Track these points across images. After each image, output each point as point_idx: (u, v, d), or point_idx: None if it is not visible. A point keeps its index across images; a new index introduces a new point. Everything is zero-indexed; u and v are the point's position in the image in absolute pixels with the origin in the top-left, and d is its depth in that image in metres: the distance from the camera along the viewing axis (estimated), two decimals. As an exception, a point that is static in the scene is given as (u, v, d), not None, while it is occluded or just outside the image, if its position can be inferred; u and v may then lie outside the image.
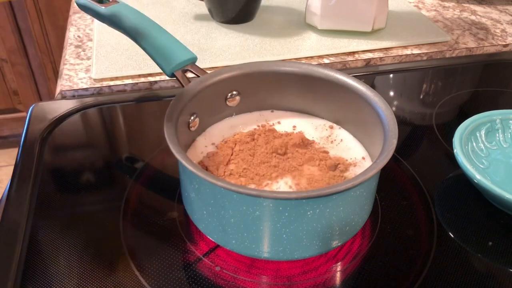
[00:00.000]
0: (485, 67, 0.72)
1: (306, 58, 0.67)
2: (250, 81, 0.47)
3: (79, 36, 0.72)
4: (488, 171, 0.48)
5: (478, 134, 0.51)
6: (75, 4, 0.51)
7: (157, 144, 0.53)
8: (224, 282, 0.39)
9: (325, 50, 0.69)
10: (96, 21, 0.73)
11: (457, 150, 0.46)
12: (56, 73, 1.56)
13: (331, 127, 0.47)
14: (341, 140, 0.46)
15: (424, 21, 0.78)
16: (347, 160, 0.43)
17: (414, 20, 0.78)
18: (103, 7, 0.46)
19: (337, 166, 0.42)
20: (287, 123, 0.48)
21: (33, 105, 0.57)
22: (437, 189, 0.48)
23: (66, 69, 0.64)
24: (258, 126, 0.47)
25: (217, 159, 0.42)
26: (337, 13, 0.70)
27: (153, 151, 0.52)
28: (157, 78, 0.62)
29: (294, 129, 0.47)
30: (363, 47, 0.70)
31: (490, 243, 0.43)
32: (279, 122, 0.48)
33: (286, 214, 0.34)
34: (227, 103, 0.47)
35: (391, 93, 0.66)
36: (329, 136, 0.46)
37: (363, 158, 0.44)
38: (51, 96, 1.60)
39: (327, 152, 0.44)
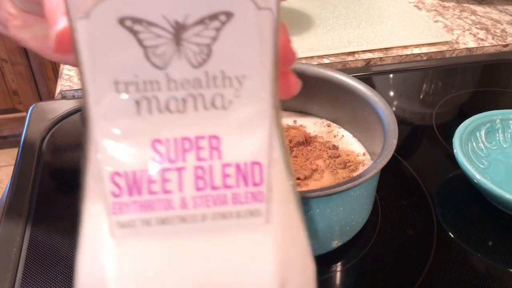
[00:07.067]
0: (485, 67, 0.72)
1: (306, 58, 0.67)
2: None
3: (79, 36, 0.72)
4: (488, 171, 0.48)
5: (478, 134, 0.51)
6: None
7: (157, 144, 0.53)
8: (224, 282, 0.39)
9: (325, 50, 0.68)
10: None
11: (457, 150, 0.46)
12: (56, 73, 1.56)
13: (329, 125, 0.48)
14: (343, 135, 0.46)
15: (424, 21, 0.78)
16: (358, 155, 0.43)
17: (414, 20, 0.78)
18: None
19: (347, 164, 0.42)
20: (287, 122, 0.48)
21: (33, 105, 0.57)
22: (437, 189, 0.48)
23: (66, 69, 0.64)
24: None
25: None
26: None
27: (153, 151, 0.52)
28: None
29: (295, 123, 0.47)
30: (363, 47, 0.70)
31: (490, 243, 0.43)
32: None
33: (286, 214, 0.34)
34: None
35: (391, 93, 0.66)
36: (330, 132, 0.47)
37: (364, 154, 0.44)
38: (51, 96, 1.60)
39: (337, 148, 0.43)
